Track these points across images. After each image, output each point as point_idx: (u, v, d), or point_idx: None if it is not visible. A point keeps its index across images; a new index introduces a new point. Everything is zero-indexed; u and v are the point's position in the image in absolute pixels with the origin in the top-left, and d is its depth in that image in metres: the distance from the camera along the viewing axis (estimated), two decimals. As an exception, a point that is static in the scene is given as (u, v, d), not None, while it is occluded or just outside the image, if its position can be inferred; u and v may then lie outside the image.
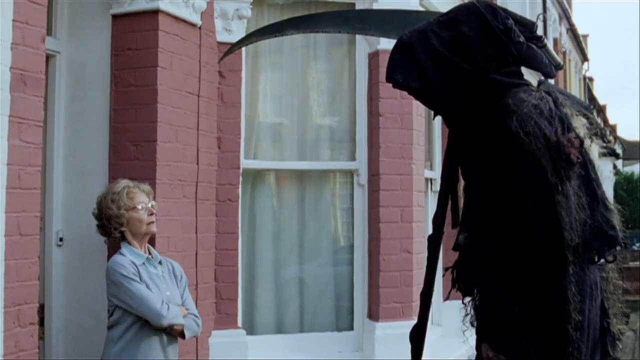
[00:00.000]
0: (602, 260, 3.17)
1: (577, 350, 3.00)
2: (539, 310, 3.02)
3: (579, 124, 3.08)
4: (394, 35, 3.94)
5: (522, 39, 3.22)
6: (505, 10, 3.36)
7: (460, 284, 3.33)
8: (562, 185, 2.93)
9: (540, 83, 3.22)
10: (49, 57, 5.36)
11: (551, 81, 21.69)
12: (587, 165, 3.02)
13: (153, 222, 4.92)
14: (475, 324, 3.26)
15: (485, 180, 3.10)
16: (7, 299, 4.27)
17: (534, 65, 3.32)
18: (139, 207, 4.83)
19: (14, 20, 4.37)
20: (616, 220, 3.08)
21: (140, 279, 4.68)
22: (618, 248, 3.12)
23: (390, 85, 3.29)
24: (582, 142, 2.98)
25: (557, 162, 2.92)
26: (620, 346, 3.24)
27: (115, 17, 5.65)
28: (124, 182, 4.92)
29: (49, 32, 5.29)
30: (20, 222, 4.41)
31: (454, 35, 3.17)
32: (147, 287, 4.68)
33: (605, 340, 3.19)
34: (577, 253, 2.97)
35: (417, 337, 3.61)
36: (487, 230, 3.05)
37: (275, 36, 5.05)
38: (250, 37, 5.00)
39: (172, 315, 4.68)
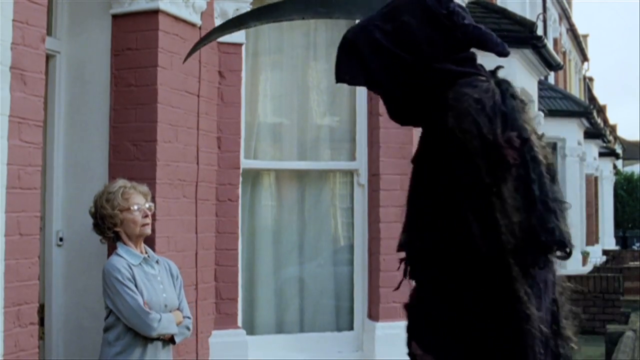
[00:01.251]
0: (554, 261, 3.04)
1: (537, 346, 2.91)
2: (487, 311, 2.94)
3: (527, 119, 2.94)
4: (359, 16, 3.82)
5: (467, 21, 3.02)
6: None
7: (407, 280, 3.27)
8: (498, 186, 2.81)
9: (496, 70, 3.03)
10: (49, 57, 5.36)
11: (551, 81, 21.72)
12: (527, 165, 2.86)
13: (147, 224, 4.90)
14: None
15: (423, 177, 3.03)
16: (7, 299, 4.28)
17: (484, 46, 3.08)
18: (134, 208, 4.83)
19: (14, 20, 4.37)
20: (558, 221, 2.89)
21: (136, 282, 4.68)
22: (555, 250, 2.95)
23: None
24: (525, 141, 2.85)
25: (492, 163, 2.80)
26: (575, 347, 3.12)
27: (115, 17, 5.65)
28: (120, 182, 4.91)
29: (49, 32, 5.29)
30: (20, 222, 4.41)
31: (397, 26, 3.05)
32: (141, 291, 4.67)
33: (556, 340, 3.08)
34: (517, 255, 2.86)
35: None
36: (424, 230, 3.02)
37: (240, 29, 5.05)
38: (214, 33, 4.94)
39: (163, 326, 4.68)
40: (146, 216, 4.89)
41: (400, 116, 3.23)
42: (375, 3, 3.42)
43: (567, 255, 2.96)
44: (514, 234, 2.81)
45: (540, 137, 2.92)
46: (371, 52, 3.09)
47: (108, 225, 4.81)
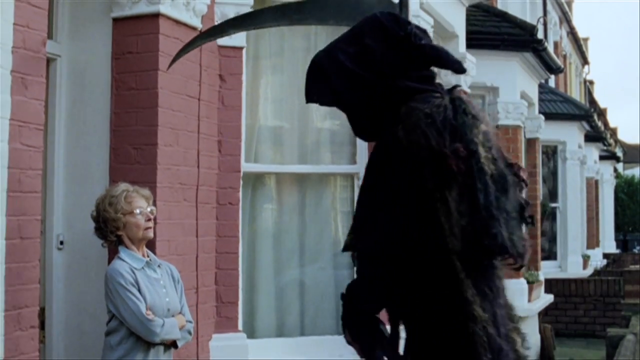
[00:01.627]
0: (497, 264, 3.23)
1: (481, 347, 3.06)
2: (432, 310, 3.12)
3: (477, 133, 3.12)
4: (331, 22, 4.23)
5: (424, 41, 3.28)
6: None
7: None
8: (442, 192, 3.00)
9: (453, 88, 3.27)
10: (49, 61, 5.37)
11: (552, 85, 21.72)
12: (474, 175, 3.05)
13: (150, 228, 4.90)
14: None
15: (373, 184, 3.23)
16: (7, 302, 4.28)
17: (441, 64, 3.36)
18: (137, 211, 4.82)
19: (14, 24, 4.38)
20: (502, 227, 3.06)
21: (139, 286, 4.68)
22: (497, 256, 3.13)
23: None
24: (472, 153, 3.05)
25: (438, 171, 3.00)
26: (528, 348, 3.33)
27: (116, 20, 5.65)
28: (123, 186, 4.91)
29: (50, 35, 5.29)
30: (21, 226, 4.41)
31: (359, 48, 3.29)
32: (145, 295, 4.67)
33: (510, 343, 3.25)
34: (463, 258, 3.04)
35: None
36: (368, 233, 3.20)
37: (222, 36, 5.18)
38: (195, 42, 5.06)
39: (166, 331, 4.68)
40: (149, 220, 4.88)
41: (365, 132, 3.49)
42: (345, 11, 3.58)
43: (519, 266, 3.18)
44: (457, 237, 3.00)
45: (489, 150, 3.12)
46: (336, 73, 3.34)
47: (111, 229, 4.80)
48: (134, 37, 5.56)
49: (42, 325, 5.14)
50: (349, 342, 3.35)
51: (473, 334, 3.04)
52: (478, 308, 3.05)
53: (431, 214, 3.02)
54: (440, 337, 3.13)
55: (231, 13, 6.45)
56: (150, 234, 4.91)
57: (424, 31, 3.37)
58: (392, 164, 3.12)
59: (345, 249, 3.37)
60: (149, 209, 4.90)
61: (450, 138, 3.04)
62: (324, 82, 3.41)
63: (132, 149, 5.53)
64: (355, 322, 3.32)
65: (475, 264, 3.08)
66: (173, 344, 4.81)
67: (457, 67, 3.37)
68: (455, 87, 3.30)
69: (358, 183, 7.06)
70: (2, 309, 4.24)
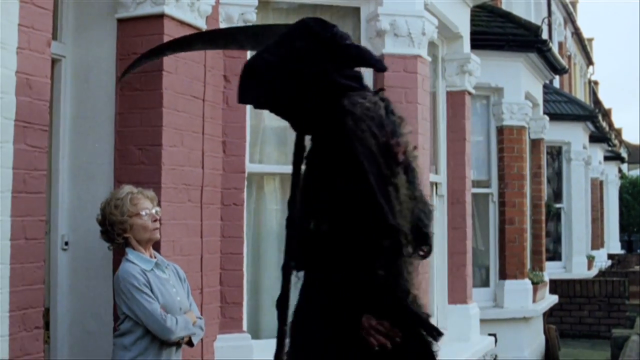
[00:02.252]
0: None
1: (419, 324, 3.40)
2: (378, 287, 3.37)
3: (405, 132, 3.45)
4: (249, 47, 4.84)
5: (348, 42, 3.57)
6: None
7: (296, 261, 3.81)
8: (393, 178, 3.30)
9: (378, 91, 3.59)
10: (54, 62, 5.37)
11: (557, 85, 21.69)
12: (407, 168, 3.39)
13: (157, 229, 4.92)
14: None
15: (325, 172, 3.50)
16: (12, 303, 4.29)
17: (364, 63, 3.66)
18: (143, 213, 4.83)
19: (19, 25, 4.39)
20: (430, 220, 3.45)
21: (151, 287, 4.69)
22: (427, 244, 3.52)
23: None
24: (406, 147, 3.38)
25: (387, 160, 3.29)
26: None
27: (120, 21, 5.65)
28: (127, 188, 4.92)
29: (55, 36, 5.30)
30: (26, 226, 4.42)
31: (290, 51, 3.57)
32: (157, 295, 4.69)
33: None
34: (407, 238, 3.34)
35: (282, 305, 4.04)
36: (327, 215, 3.45)
37: (160, 57, 5.36)
38: (140, 62, 5.32)
39: (181, 328, 4.71)
40: (155, 220, 4.90)
41: (298, 125, 3.78)
42: (264, 40, 4.08)
43: (427, 254, 3.57)
44: (407, 218, 3.31)
45: (413, 150, 3.48)
46: (269, 74, 3.60)
47: (117, 231, 4.81)
48: (139, 38, 5.56)
49: (46, 326, 5.15)
50: (371, 326, 3.41)
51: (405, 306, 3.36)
52: (411, 287, 3.39)
53: (384, 196, 3.26)
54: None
55: (236, 14, 6.46)
56: (157, 235, 4.93)
57: (348, 35, 3.65)
58: (343, 152, 3.35)
59: (310, 235, 3.56)
60: (154, 210, 4.91)
61: (385, 132, 3.34)
62: (257, 82, 3.64)
63: (137, 149, 5.54)
64: (387, 308, 3.43)
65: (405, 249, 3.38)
66: (189, 343, 4.84)
67: (379, 66, 3.76)
68: (381, 89, 3.65)
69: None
70: (7, 310, 4.25)
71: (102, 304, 5.38)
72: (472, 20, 9.73)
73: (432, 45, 8.06)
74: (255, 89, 3.66)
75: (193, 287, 5.47)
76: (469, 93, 9.21)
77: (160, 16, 5.52)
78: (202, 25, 5.93)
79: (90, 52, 5.69)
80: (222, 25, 6.38)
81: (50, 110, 4.83)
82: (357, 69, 3.67)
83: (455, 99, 9.04)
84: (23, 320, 4.37)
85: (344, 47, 3.55)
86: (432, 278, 8.31)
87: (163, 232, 5.27)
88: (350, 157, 3.32)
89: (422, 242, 3.50)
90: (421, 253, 3.56)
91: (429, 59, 7.57)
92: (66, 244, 5.59)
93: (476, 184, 11.00)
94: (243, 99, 3.73)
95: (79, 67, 5.69)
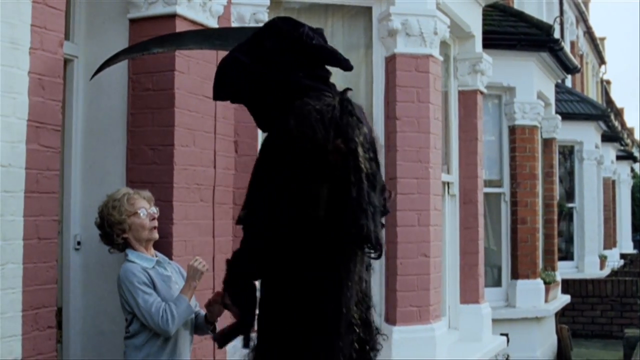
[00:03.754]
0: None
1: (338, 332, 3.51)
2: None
3: (358, 135, 3.46)
4: None
5: (315, 42, 3.65)
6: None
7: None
8: (316, 181, 3.38)
9: (345, 91, 3.61)
10: (66, 62, 5.38)
11: (569, 84, 21.64)
12: (349, 170, 3.39)
13: (155, 228, 4.96)
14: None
15: (262, 166, 3.63)
16: (25, 303, 4.30)
17: (331, 62, 3.73)
18: (140, 212, 4.87)
19: (32, 25, 4.40)
20: (368, 221, 3.43)
21: (154, 284, 4.71)
22: (363, 245, 3.53)
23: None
24: (351, 150, 3.40)
25: (318, 162, 3.36)
26: (358, 330, 3.70)
27: (132, 21, 5.66)
28: (123, 190, 4.99)
29: (67, 36, 5.31)
30: (39, 226, 4.43)
31: (258, 49, 3.69)
32: (160, 292, 4.70)
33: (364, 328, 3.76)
34: (319, 241, 3.44)
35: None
36: (256, 209, 3.58)
37: (142, 54, 5.33)
38: (119, 56, 5.31)
39: (180, 316, 4.69)
40: (153, 219, 4.94)
41: (262, 123, 3.83)
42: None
43: (378, 255, 3.62)
44: (319, 222, 3.40)
45: (367, 151, 3.50)
46: (237, 72, 3.72)
47: (117, 232, 4.85)
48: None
49: (59, 325, 5.16)
50: (226, 305, 3.92)
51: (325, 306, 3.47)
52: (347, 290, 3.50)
53: (305, 199, 3.40)
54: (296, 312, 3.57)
55: (247, 14, 6.46)
56: (156, 234, 4.96)
57: (319, 33, 3.74)
58: (280, 150, 3.47)
59: (237, 222, 3.71)
60: (151, 210, 4.94)
61: (334, 134, 3.39)
62: (228, 81, 3.77)
63: (149, 149, 5.54)
64: (235, 286, 3.84)
65: (336, 249, 3.47)
66: (212, 329, 4.85)
67: (345, 65, 3.75)
68: (346, 89, 3.64)
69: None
70: (20, 309, 4.26)
71: (115, 304, 5.36)
72: (484, 20, 9.72)
73: (444, 44, 8.05)
74: (227, 86, 3.80)
75: (204, 287, 5.47)
76: (481, 92, 9.19)
77: (173, 16, 5.53)
78: (214, 25, 5.93)
79: (103, 52, 5.68)
80: (234, 26, 6.39)
81: (62, 111, 4.84)
82: (328, 68, 3.77)
83: (467, 98, 9.03)
84: (36, 320, 4.39)
85: (311, 47, 3.65)
86: (444, 278, 8.30)
87: (175, 231, 5.29)
88: (278, 155, 3.48)
89: (356, 243, 3.54)
90: (369, 253, 3.64)
91: (441, 58, 7.56)
92: (79, 243, 5.61)
93: (488, 183, 10.99)
94: (216, 96, 3.87)
95: (92, 67, 5.69)
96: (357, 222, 3.39)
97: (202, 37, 5.52)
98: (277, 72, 3.61)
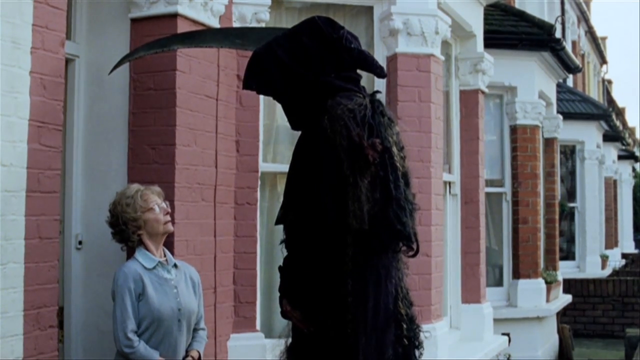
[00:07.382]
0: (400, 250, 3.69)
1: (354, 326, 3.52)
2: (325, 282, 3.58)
3: (391, 133, 3.59)
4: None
5: (354, 45, 3.73)
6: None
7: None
8: (355, 178, 3.42)
9: (374, 93, 3.72)
10: (68, 61, 5.39)
11: (570, 84, 21.64)
12: (387, 168, 3.50)
13: (169, 221, 4.96)
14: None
15: (299, 166, 3.71)
16: (26, 302, 4.31)
17: (366, 67, 3.81)
18: (154, 207, 4.87)
19: (33, 25, 4.41)
20: (408, 218, 3.56)
21: (144, 289, 4.68)
22: (405, 242, 3.61)
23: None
24: (386, 148, 3.49)
25: (355, 159, 3.41)
26: (405, 326, 3.72)
27: (134, 21, 5.66)
28: (135, 186, 4.98)
29: (68, 36, 5.31)
30: (40, 226, 4.44)
31: (296, 46, 3.74)
32: (150, 295, 4.69)
33: (397, 319, 3.72)
34: (359, 238, 3.48)
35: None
36: (294, 207, 3.66)
37: (163, 51, 5.32)
38: (138, 51, 5.29)
39: (141, 354, 4.63)
40: (167, 213, 4.94)
41: (295, 122, 3.89)
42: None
43: (415, 253, 3.66)
44: (362, 219, 3.43)
45: (401, 150, 3.62)
46: (273, 65, 3.77)
47: (132, 229, 4.83)
48: (152, 38, 5.56)
49: (60, 325, 5.17)
50: (286, 313, 3.81)
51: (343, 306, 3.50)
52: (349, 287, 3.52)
53: (341, 195, 3.43)
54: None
55: (249, 13, 6.46)
56: (171, 227, 4.98)
57: (355, 37, 3.81)
58: (317, 150, 3.54)
59: (277, 222, 3.79)
60: (163, 204, 4.95)
61: (367, 133, 3.46)
62: (261, 72, 3.81)
63: (150, 149, 5.55)
64: (295, 290, 3.75)
65: (376, 245, 3.54)
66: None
67: (379, 72, 3.83)
68: (376, 92, 3.74)
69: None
70: (21, 309, 4.27)
71: (116, 303, 5.39)
72: (485, 19, 9.72)
73: (445, 44, 8.05)
74: (259, 79, 3.84)
75: (206, 287, 5.48)
76: (482, 92, 9.19)
77: (174, 16, 5.53)
78: (216, 24, 5.94)
79: (104, 51, 5.69)
80: (235, 25, 6.39)
81: (64, 110, 4.84)
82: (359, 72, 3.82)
83: (469, 98, 9.03)
84: (37, 319, 4.39)
85: (348, 50, 3.70)
86: (445, 277, 8.30)
87: (176, 231, 5.28)
88: (318, 154, 3.53)
89: (399, 240, 3.61)
90: (406, 251, 3.68)
91: (442, 58, 7.56)
92: (80, 243, 5.61)
93: (489, 183, 10.99)
94: (247, 86, 3.89)
95: (93, 67, 5.70)
96: (399, 219, 3.49)
97: (223, 35, 5.57)
98: (311, 70, 3.68)
